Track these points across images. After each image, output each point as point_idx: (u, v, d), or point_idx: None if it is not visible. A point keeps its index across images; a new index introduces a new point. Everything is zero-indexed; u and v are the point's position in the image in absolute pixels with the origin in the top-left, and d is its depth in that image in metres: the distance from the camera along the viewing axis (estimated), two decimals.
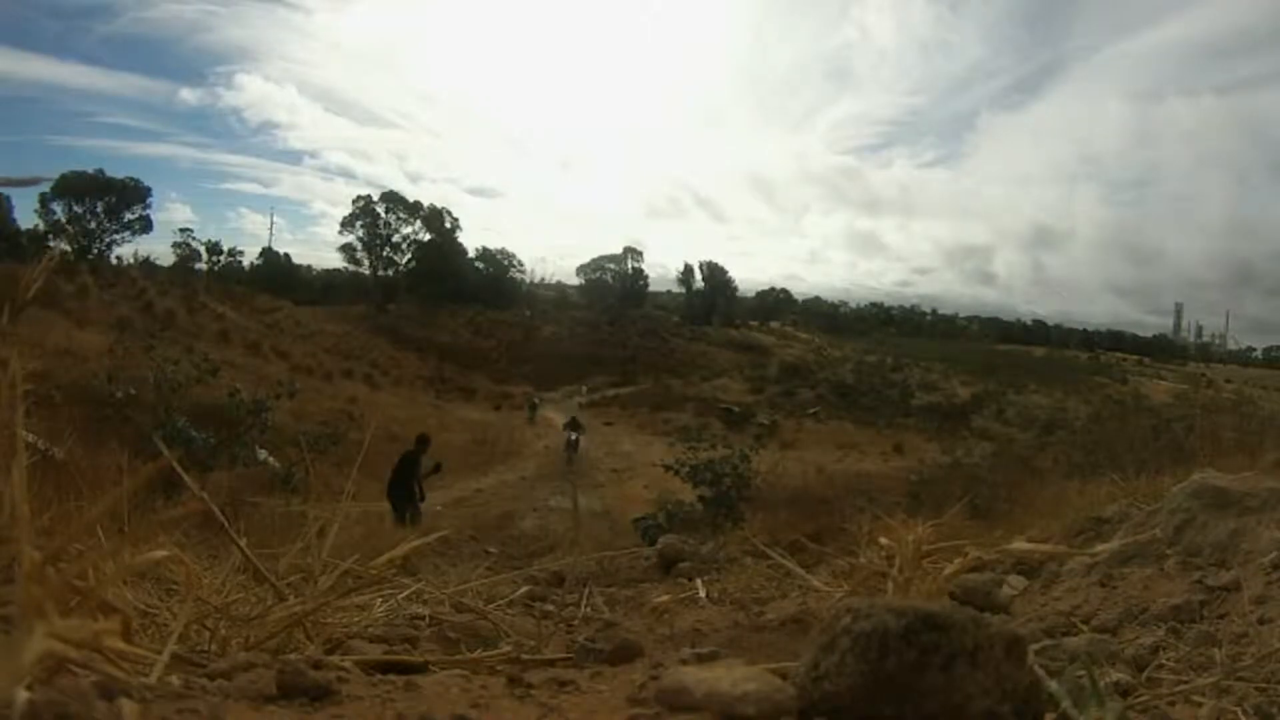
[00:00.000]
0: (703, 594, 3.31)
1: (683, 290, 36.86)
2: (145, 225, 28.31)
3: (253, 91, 34.14)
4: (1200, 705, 1.40)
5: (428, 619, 2.03)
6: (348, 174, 43.54)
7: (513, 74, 46.93)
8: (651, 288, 36.19)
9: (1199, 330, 36.08)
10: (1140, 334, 36.51)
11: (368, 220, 31.02)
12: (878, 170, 41.11)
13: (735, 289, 37.56)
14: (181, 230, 29.69)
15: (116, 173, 28.01)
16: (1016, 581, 2.90)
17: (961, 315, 36.25)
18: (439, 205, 31.80)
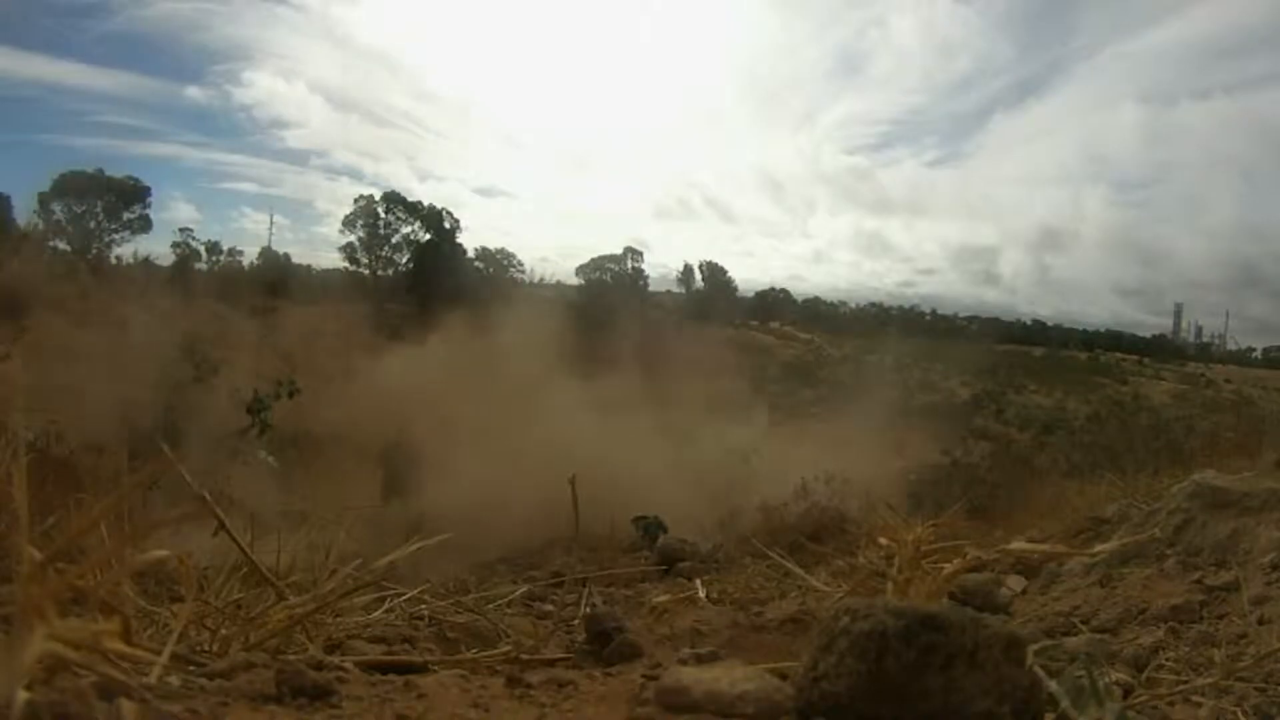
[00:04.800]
0: (702, 594, 3.31)
1: (682, 290, 37.06)
2: (145, 225, 28.24)
3: (258, 91, 33.94)
4: (1200, 705, 1.40)
5: (428, 619, 2.04)
6: (355, 173, 43.31)
7: (521, 73, 46.82)
8: (653, 288, 36.18)
9: (1199, 330, 36.00)
10: (1140, 334, 36.43)
11: (368, 220, 30.99)
12: (885, 169, 40.93)
13: (735, 289, 37.55)
14: (182, 230, 29.48)
15: (116, 172, 27.92)
16: (1016, 582, 2.90)
17: (961, 315, 36.16)
18: (447, 205, 31.69)
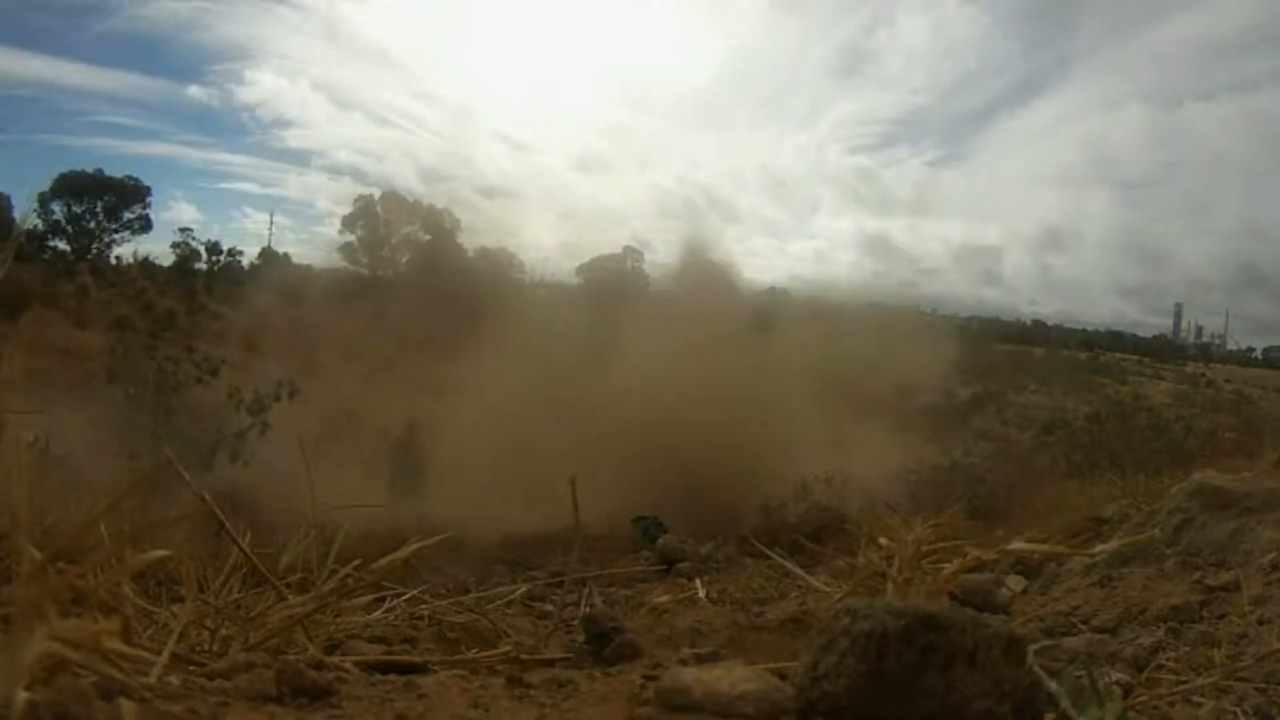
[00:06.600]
0: (702, 594, 3.30)
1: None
2: (145, 225, 28.23)
3: (259, 90, 33.89)
4: (1200, 705, 1.40)
5: (428, 619, 2.04)
6: (356, 173, 43.14)
7: (521, 73, 46.72)
8: (653, 288, 36.19)
9: (1199, 330, 35.96)
10: (1140, 334, 36.41)
11: (368, 220, 30.99)
12: (887, 169, 40.86)
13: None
14: (182, 230, 29.43)
15: (116, 172, 27.92)
16: (1016, 582, 2.90)
17: (961, 315, 36.10)
18: (451, 205, 31.67)
